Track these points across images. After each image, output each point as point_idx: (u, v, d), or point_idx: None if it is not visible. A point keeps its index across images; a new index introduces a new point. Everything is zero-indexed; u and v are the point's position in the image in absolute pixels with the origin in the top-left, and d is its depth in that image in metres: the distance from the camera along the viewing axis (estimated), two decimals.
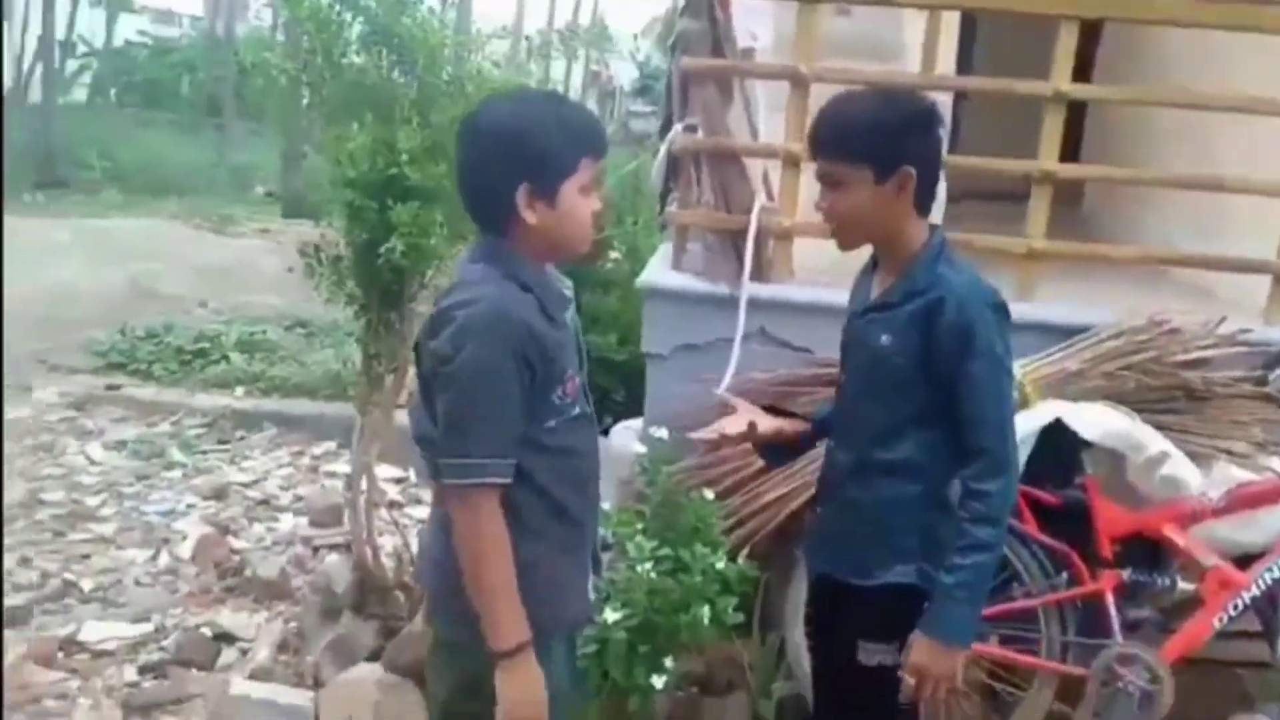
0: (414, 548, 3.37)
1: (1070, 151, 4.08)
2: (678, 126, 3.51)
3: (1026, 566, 2.83)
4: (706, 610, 2.64)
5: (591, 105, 13.78)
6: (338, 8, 3.00)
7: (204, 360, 6.18)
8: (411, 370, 2.88)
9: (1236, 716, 2.98)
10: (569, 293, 1.82)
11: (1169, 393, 2.94)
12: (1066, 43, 3.15)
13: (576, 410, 1.76)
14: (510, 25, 16.87)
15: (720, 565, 2.71)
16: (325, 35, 2.93)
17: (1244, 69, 3.74)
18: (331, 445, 5.19)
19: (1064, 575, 2.82)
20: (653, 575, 2.63)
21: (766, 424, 2.09)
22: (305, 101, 3.22)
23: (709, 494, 2.92)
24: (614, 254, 5.66)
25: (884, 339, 1.89)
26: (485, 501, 1.62)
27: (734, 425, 2.05)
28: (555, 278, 1.79)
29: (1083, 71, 4.70)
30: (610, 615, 2.52)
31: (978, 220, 3.80)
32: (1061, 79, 3.16)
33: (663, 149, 3.71)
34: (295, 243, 3.36)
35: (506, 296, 1.63)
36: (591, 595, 1.88)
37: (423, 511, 4.22)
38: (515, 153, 1.65)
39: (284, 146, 14.15)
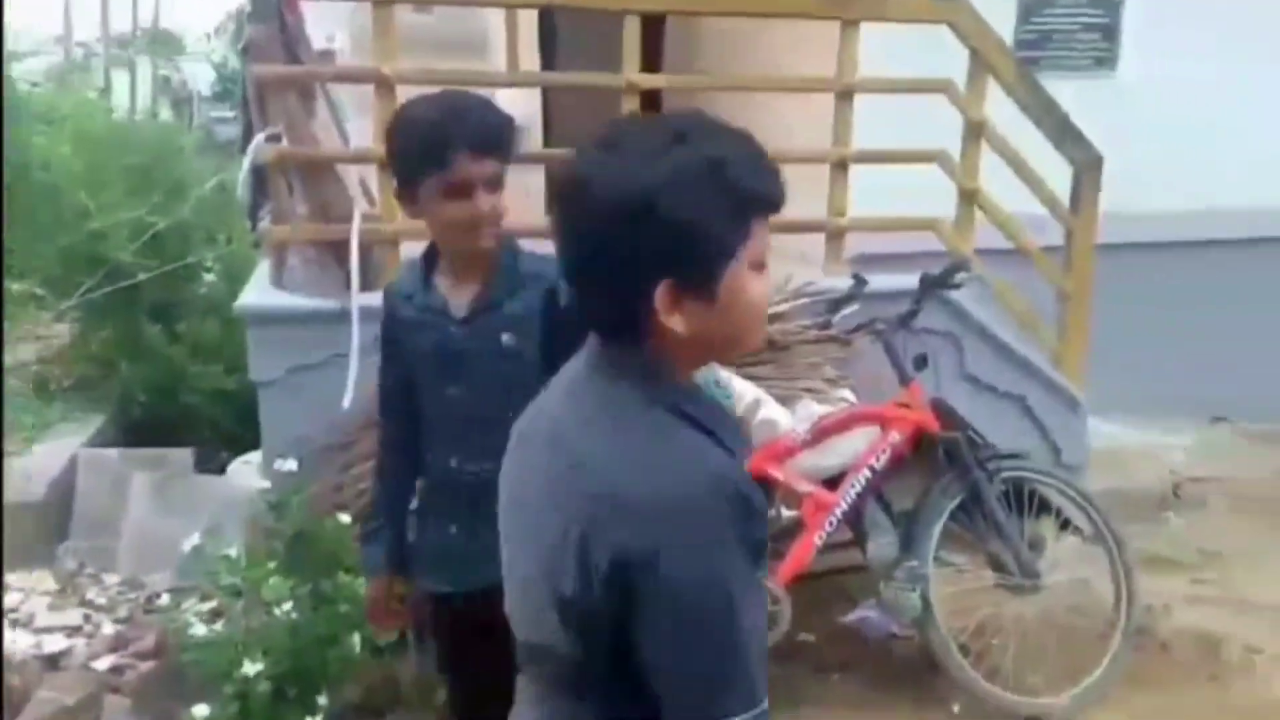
0: None
1: None
2: (259, 137, 3.30)
3: None
4: (357, 638, 2.55)
5: (167, 113, 12.47)
6: None
7: None
8: None
9: (848, 616, 3.43)
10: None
11: None
12: (631, 36, 3.39)
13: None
14: (60, 35, 14.79)
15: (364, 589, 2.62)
16: None
17: (783, 51, 4.27)
18: None
19: None
20: (293, 615, 2.49)
21: None
22: None
23: (344, 518, 2.81)
24: (208, 276, 5.16)
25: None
26: None
27: None
28: (705, 384, 1.33)
29: (653, 60, 5.07)
30: (249, 669, 2.35)
31: None
32: (631, 70, 3.40)
33: (246, 161, 3.47)
34: None
35: (706, 452, 1.06)
36: None
37: None
38: (651, 235, 1.02)
39: None
